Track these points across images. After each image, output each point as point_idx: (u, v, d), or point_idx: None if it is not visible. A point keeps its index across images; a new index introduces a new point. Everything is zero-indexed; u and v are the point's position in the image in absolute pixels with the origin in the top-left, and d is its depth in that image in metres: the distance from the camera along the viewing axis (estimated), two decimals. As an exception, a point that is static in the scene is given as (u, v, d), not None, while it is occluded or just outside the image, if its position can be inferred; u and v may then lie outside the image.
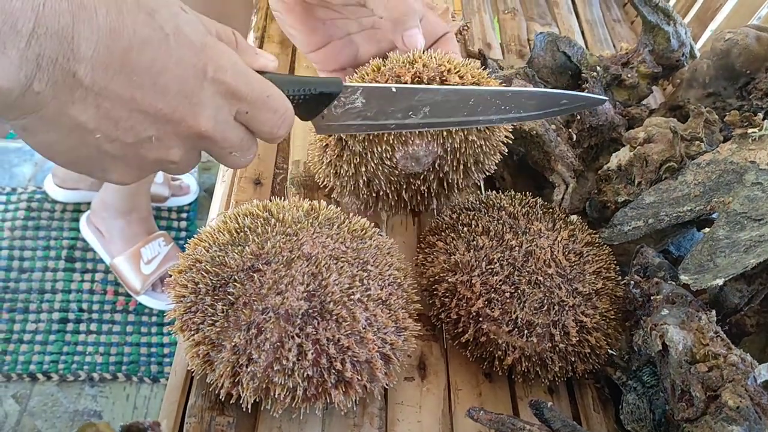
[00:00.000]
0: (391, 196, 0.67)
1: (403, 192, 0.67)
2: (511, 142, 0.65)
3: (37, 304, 1.50)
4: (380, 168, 0.62)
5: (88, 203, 1.62)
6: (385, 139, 0.59)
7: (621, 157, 0.73)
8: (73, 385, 1.42)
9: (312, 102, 0.52)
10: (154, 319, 1.53)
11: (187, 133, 0.43)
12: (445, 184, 0.67)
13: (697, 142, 0.69)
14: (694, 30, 1.15)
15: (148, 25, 0.38)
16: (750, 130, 0.66)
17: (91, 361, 1.44)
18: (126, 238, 1.53)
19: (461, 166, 0.64)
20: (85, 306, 1.52)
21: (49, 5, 0.34)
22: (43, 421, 1.36)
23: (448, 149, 0.61)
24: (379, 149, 0.59)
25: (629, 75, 0.85)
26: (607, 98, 0.71)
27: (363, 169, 0.62)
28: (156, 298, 1.54)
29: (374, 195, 0.67)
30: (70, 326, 1.48)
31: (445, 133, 0.60)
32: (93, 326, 1.49)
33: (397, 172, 0.63)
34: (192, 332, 0.52)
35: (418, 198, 0.69)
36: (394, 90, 0.54)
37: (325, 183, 0.68)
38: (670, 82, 0.97)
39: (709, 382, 0.50)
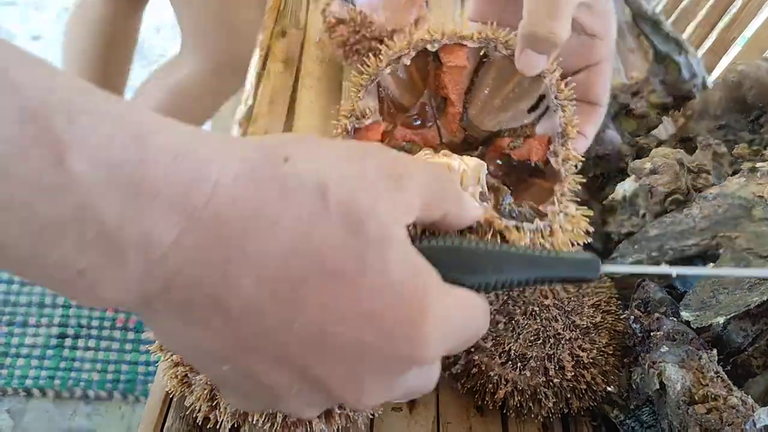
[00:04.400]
0: None
1: None
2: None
3: (37, 318, 1.48)
4: None
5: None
6: None
7: (626, 187, 0.71)
8: (68, 402, 1.40)
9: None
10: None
11: (338, 402, 0.36)
12: None
13: (705, 174, 0.67)
14: (709, 62, 1.13)
15: None
16: (759, 164, 0.64)
17: (88, 378, 1.42)
18: None
19: None
20: (84, 322, 1.50)
21: None
22: (36, 437, 1.34)
23: None
24: None
25: (638, 104, 0.83)
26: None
27: None
28: None
29: None
30: (68, 341, 1.46)
31: None
32: (91, 342, 1.47)
33: None
34: (171, 352, 0.50)
35: None
36: (674, 275, 0.43)
37: None
38: (682, 113, 0.95)
39: (707, 424, 0.48)
